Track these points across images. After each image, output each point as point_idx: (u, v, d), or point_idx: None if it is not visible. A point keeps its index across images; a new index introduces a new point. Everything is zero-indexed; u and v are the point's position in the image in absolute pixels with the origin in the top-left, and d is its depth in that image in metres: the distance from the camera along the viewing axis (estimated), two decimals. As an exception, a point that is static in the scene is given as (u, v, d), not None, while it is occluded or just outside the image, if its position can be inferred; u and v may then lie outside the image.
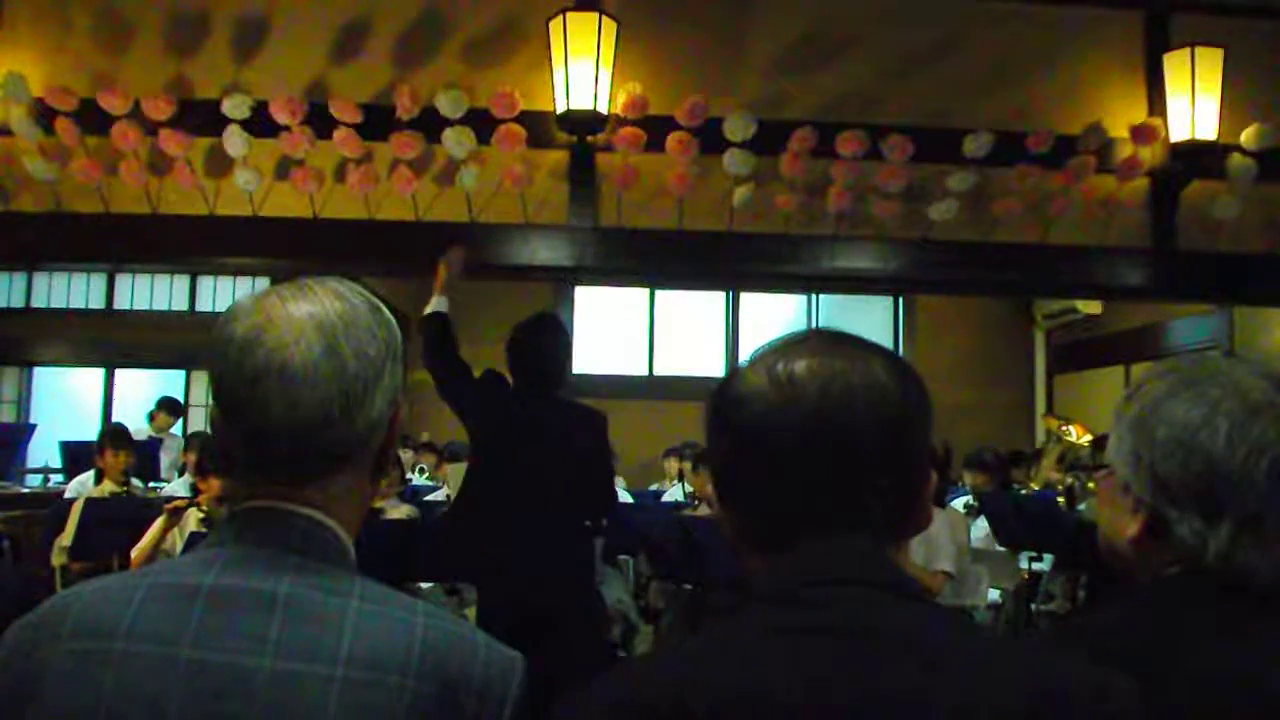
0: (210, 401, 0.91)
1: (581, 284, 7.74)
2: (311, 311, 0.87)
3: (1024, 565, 4.70)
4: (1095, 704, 0.74)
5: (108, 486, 4.52)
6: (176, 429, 7.76)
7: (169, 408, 7.52)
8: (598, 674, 0.80)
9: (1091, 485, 5.23)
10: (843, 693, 0.73)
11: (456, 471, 3.54)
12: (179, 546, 3.60)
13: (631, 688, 0.78)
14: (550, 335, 3.18)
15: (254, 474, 0.89)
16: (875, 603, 0.77)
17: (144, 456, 5.48)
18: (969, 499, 5.01)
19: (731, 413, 0.84)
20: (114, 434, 4.69)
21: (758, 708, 0.73)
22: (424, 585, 4.20)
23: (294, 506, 0.87)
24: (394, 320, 0.93)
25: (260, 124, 4.01)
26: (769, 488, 0.82)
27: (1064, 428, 6.43)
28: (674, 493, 6.57)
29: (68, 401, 9.47)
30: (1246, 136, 4.34)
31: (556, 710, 0.79)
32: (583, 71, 4.05)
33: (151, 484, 5.63)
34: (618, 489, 3.64)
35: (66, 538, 3.93)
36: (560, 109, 4.11)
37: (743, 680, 0.74)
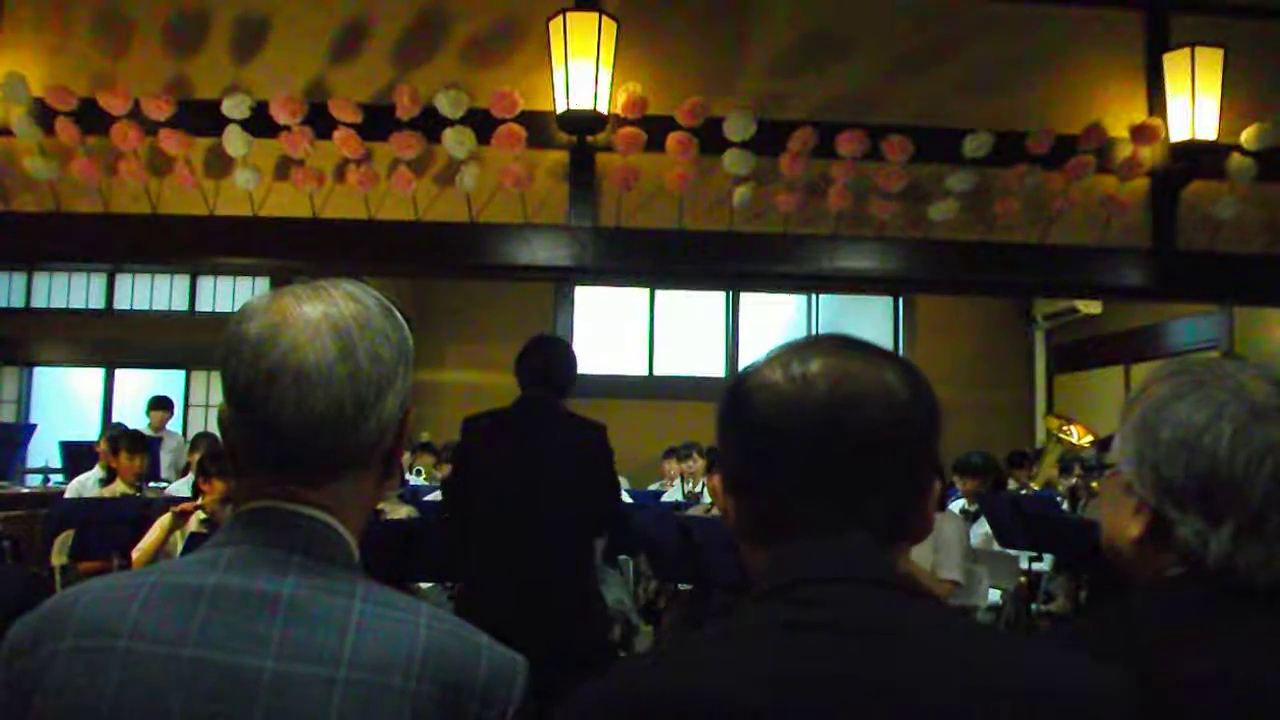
0: (211, 401, 0.91)
1: (581, 284, 7.72)
2: (326, 313, 0.87)
3: (1024, 565, 4.69)
4: (1089, 695, 0.75)
5: (120, 487, 4.56)
6: (174, 425, 7.75)
7: (161, 405, 7.52)
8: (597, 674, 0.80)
9: (1095, 486, 5.23)
10: (843, 689, 0.73)
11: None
12: (179, 547, 3.60)
13: (629, 686, 0.78)
14: (559, 347, 3.15)
15: (261, 473, 0.88)
16: (874, 599, 0.77)
17: (144, 455, 5.49)
18: (964, 503, 5.00)
19: (744, 404, 0.85)
20: (129, 437, 4.78)
21: (758, 705, 0.73)
22: (424, 585, 4.21)
23: (300, 507, 0.87)
24: (405, 323, 0.93)
25: (260, 124, 4.01)
26: (774, 481, 0.83)
27: (1065, 428, 6.43)
28: (674, 493, 6.57)
29: (68, 401, 9.46)
30: (1246, 136, 4.35)
31: (556, 712, 0.79)
32: (583, 71, 4.05)
33: (151, 483, 5.63)
34: (622, 498, 3.30)
35: (67, 538, 3.93)
36: (560, 109, 4.11)
37: (742, 677, 0.74)
